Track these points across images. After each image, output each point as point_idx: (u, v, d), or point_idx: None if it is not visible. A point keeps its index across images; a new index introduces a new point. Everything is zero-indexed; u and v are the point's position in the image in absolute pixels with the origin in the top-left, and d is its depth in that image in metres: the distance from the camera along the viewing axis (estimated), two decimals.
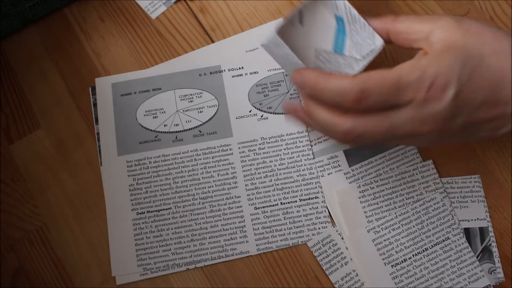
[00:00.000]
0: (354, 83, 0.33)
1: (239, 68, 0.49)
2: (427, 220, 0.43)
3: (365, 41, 0.38)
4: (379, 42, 0.38)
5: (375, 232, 0.43)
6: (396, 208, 0.44)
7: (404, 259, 0.43)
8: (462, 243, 0.43)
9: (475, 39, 0.33)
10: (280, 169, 0.46)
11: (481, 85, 0.33)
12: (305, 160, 0.46)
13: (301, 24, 0.39)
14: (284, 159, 0.46)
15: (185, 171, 0.46)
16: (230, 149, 0.47)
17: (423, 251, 0.43)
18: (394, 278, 0.42)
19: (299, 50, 0.38)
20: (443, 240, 0.43)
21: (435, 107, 0.33)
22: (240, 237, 0.44)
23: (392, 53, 0.49)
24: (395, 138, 0.35)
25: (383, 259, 0.43)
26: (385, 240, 0.43)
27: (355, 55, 0.39)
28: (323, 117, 0.36)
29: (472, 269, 0.42)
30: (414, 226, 0.43)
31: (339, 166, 0.46)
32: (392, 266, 0.42)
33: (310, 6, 0.39)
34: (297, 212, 0.45)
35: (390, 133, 0.34)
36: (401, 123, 0.34)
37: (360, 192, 0.44)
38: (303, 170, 0.46)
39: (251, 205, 0.45)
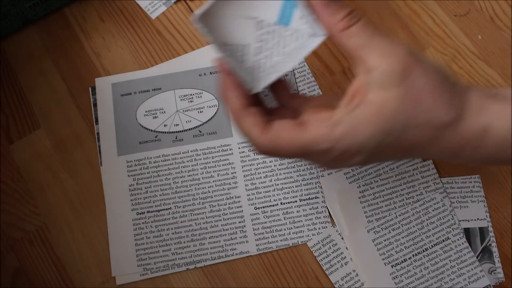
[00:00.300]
0: (263, 141, 0.33)
1: None
2: (427, 220, 0.43)
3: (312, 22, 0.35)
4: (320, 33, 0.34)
5: (375, 232, 0.43)
6: (396, 208, 0.44)
7: (404, 259, 0.43)
8: (462, 243, 0.43)
9: (409, 107, 0.30)
10: (280, 169, 0.46)
11: (393, 151, 0.32)
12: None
13: None
14: (284, 159, 0.46)
15: (185, 171, 0.46)
16: (230, 149, 0.47)
17: (423, 251, 0.43)
18: (394, 278, 0.42)
19: (235, 20, 0.35)
20: (443, 240, 0.43)
21: (341, 164, 0.33)
22: (240, 237, 0.44)
23: None
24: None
25: (383, 259, 0.43)
26: (385, 240, 0.43)
27: (305, 27, 0.34)
28: (243, 126, 0.35)
29: (472, 269, 0.42)
30: (414, 226, 0.43)
31: None
32: (392, 266, 0.42)
33: None
34: (297, 212, 0.45)
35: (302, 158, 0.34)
36: (309, 160, 0.34)
37: (360, 192, 0.44)
38: (303, 170, 0.46)
39: (251, 205, 0.45)
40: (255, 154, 0.47)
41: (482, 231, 0.43)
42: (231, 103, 0.34)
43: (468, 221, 0.43)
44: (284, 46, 0.35)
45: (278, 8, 0.35)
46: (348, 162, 0.33)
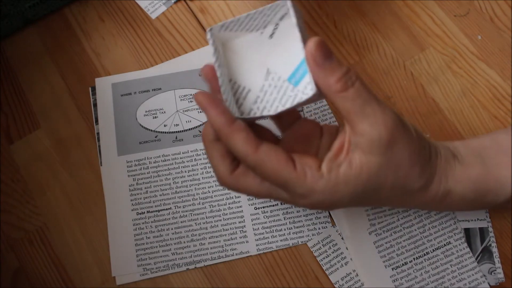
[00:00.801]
0: (250, 159, 0.33)
1: None
2: (429, 224, 0.43)
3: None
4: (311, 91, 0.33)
5: (377, 234, 0.43)
6: (399, 212, 0.44)
7: (404, 262, 0.42)
8: (464, 248, 0.42)
9: (388, 173, 0.33)
10: None
11: (363, 204, 0.37)
12: None
13: (270, 37, 0.35)
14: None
15: (185, 171, 0.46)
16: None
17: (424, 254, 0.43)
18: (394, 281, 0.42)
19: (250, 62, 0.35)
20: (445, 245, 0.43)
21: (313, 208, 0.36)
22: (240, 237, 0.44)
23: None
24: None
25: (383, 262, 0.42)
26: (386, 243, 0.43)
27: (309, 93, 0.34)
28: (212, 161, 0.36)
29: (473, 275, 0.42)
30: (416, 230, 0.43)
31: None
32: (392, 269, 0.42)
33: (288, 21, 0.34)
34: (297, 212, 0.45)
35: (267, 197, 0.36)
36: (277, 197, 0.35)
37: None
38: None
39: (251, 205, 0.45)
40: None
41: (482, 231, 0.43)
42: (215, 120, 0.33)
43: (468, 221, 0.43)
44: (283, 102, 0.34)
45: (294, 66, 0.34)
46: (319, 209, 0.36)
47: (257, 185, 0.35)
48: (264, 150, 0.33)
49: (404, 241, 0.43)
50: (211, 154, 0.36)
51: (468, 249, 0.43)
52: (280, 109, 0.34)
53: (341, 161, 0.33)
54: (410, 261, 0.43)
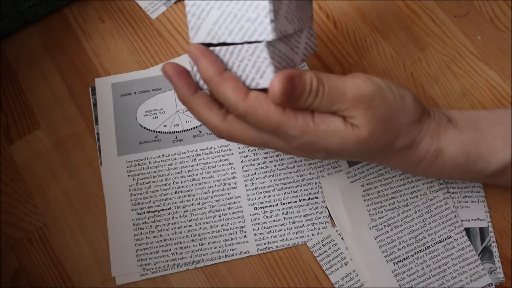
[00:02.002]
0: (240, 106, 0.33)
1: None
2: (429, 218, 0.43)
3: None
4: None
5: (378, 230, 0.43)
6: (400, 207, 0.44)
7: (406, 257, 0.43)
8: (464, 242, 0.43)
9: (379, 136, 0.34)
10: (280, 169, 0.46)
11: (353, 157, 0.37)
12: (305, 160, 0.46)
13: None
14: (284, 159, 0.46)
15: (185, 171, 0.46)
16: (230, 149, 0.47)
17: (425, 249, 0.43)
18: (396, 275, 0.42)
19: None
20: (445, 238, 0.43)
21: (304, 154, 0.36)
22: (240, 237, 0.44)
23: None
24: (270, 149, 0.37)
25: (385, 257, 0.43)
26: (387, 238, 0.43)
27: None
28: (202, 117, 0.35)
29: (474, 268, 0.42)
30: (416, 224, 0.43)
31: (339, 166, 0.46)
32: (394, 263, 0.42)
33: None
34: (297, 212, 0.45)
35: (263, 146, 0.36)
36: (273, 145, 0.36)
37: (364, 190, 0.44)
38: (303, 170, 0.46)
39: (251, 205, 0.45)
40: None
41: (482, 231, 0.43)
42: (206, 71, 0.34)
43: (469, 221, 0.43)
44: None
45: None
46: (309, 154, 0.36)
47: (252, 131, 0.35)
48: (253, 96, 0.33)
49: (405, 235, 0.43)
50: (196, 107, 0.35)
51: (468, 242, 0.43)
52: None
53: (336, 116, 0.34)
54: (412, 256, 0.43)
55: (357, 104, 0.33)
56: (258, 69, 0.33)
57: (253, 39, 0.33)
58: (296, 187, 0.45)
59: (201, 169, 0.46)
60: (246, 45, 0.33)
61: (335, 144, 0.34)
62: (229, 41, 0.34)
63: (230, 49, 0.34)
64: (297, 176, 0.46)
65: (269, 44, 0.32)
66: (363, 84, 0.34)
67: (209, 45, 0.35)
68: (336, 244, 0.43)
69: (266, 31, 0.32)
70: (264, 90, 0.34)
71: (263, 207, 0.45)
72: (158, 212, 0.45)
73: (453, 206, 0.44)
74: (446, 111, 0.39)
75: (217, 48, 0.34)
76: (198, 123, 0.48)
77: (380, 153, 0.36)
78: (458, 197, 0.44)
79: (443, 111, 0.38)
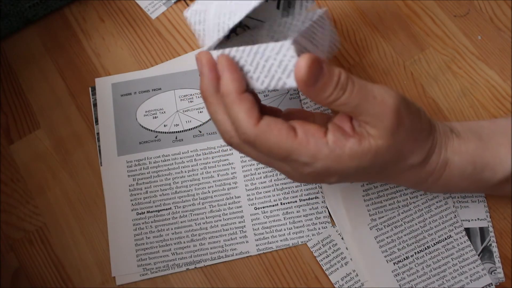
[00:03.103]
0: (250, 131, 0.32)
1: None
2: (429, 218, 0.43)
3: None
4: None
5: (378, 230, 0.43)
6: (400, 207, 0.44)
7: (406, 257, 0.43)
8: (464, 242, 0.43)
9: (392, 154, 0.34)
10: None
11: (366, 179, 0.37)
12: None
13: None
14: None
15: (185, 171, 0.46)
16: (230, 149, 0.47)
17: (425, 249, 0.43)
18: (396, 275, 0.42)
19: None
20: (445, 238, 0.43)
21: (314, 180, 0.35)
22: (240, 237, 0.44)
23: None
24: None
25: (385, 257, 0.43)
26: (387, 238, 0.43)
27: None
28: (216, 116, 0.35)
29: (474, 268, 0.42)
30: (416, 224, 0.43)
31: None
32: (394, 263, 0.42)
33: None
34: (297, 212, 0.45)
35: (269, 166, 0.36)
36: (280, 168, 0.35)
37: (364, 191, 0.44)
38: None
39: (251, 205, 0.45)
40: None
41: (482, 231, 0.43)
42: (227, 84, 0.33)
43: (469, 221, 0.43)
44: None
45: None
46: (320, 180, 0.35)
47: (260, 155, 0.34)
48: (265, 122, 0.32)
49: (405, 235, 0.43)
50: (215, 105, 0.34)
51: (468, 242, 0.43)
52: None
53: (350, 136, 0.33)
54: (412, 256, 0.43)
55: (384, 110, 0.32)
56: (284, 68, 0.32)
57: (252, 6, 0.32)
58: (296, 187, 0.45)
59: (201, 169, 0.46)
60: (272, 44, 0.32)
61: (351, 166, 0.33)
62: (236, 20, 0.33)
63: (254, 49, 0.33)
64: None
65: (295, 41, 0.32)
66: (391, 91, 0.33)
67: (224, 47, 0.35)
68: (336, 244, 0.43)
69: None
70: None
71: (263, 207, 0.45)
72: (158, 212, 0.45)
73: (453, 206, 0.44)
74: (447, 123, 0.38)
75: (241, 48, 0.33)
76: (198, 123, 0.48)
77: (394, 168, 0.35)
78: (458, 197, 0.44)
79: (445, 123, 0.38)
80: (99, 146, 0.48)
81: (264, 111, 0.35)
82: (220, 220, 0.45)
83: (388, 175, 0.36)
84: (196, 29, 0.36)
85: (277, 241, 0.44)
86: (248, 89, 0.34)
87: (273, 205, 0.45)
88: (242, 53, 0.33)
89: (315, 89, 0.31)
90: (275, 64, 0.32)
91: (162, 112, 0.48)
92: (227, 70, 0.33)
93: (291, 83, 0.32)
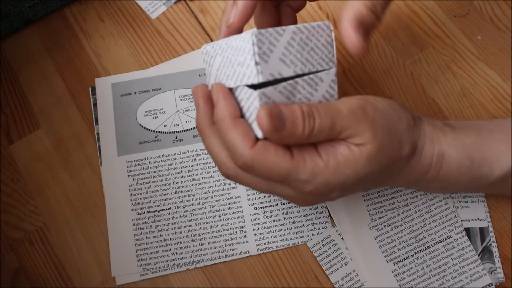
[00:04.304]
0: (247, 154, 0.32)
1: None
2: (429, 218, 0.43)
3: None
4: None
5: (378, 230, 0.43)
6: (400, 207, 0.44)
7: (406, 257, 0.43)
8: (464, 242, 0.43)
9: (386, 150, 0.34)
10: None
11: (365, 186, 0.37)
12: None
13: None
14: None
15: (185, 171, 0.46)
16: None
17: (425, 249, 0.43)
18: (396, 275, 0.42)
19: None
20: (445, 238, 0.43)
21: (317, 199, 0.35)
22: (240, 237, 0.44)
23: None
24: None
25: (385, 257, 0.43)
26: (387, 238, 0.43)
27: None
28: (212, 148, 0.35)
29: (474, 268, 0.42)
30: (416, 224, 0.43)
31: None
32: (394, 263, 0.42)
33: None
34: (297, 212, 0.45)
35: (269, 192, 0.35)
36: (281, 193, 0.35)
37: (364, 191, 0.44)
38: None
39: (251, 205, 0.45)
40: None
41: (482, 231, 0.43)
42: (222, 110, 0.33)
43: (469, 221, 0.43)
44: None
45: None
46: (323, 198, 0.35)
47: (259, 181, 0.34)
48: (261, 144, 0.32)
49: (405, 235, 0.43)
50: (211, 137, 0.35)
51: (468, 242, 0.43)
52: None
53: (338, 145, 0.33)
54: (412, 256, 0.43)
55: (356, 118, 0.32)
56: (252, 115, 0.33)
57: (243, 82, 0.33)
58: None
59: (201, 169, 0.46)
60: (246, 89, 0.33)
61: (348, 174, 0.33)
62: (227, 86, 0.34)
63: (238, 90, 0.34)
64: None
65: (263, 94, 0.32)
66: (351, 98, 0.33)
67: None
68: (336, 244, 0.43)
69: (252, 74, 0.32)
70: None
71: (263, 207, 0.45)
72: (158, 212, 0.45)
73: (453, 206, 0.44)
74: (441, 120, 0.39)
75: (235, 88, 0.34)
76: None
77: (391, 168, 0.35)
78: (458, 197, 0.44)
79: (438, 120, 0.38)
80: (99, 146, 0.48)
81: None
82: (220, 220, 0.45)
83: (388, 175, 0.36)
84: (206, 68, 0.37)
85: (277, 241, 0.44)
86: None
87: (273, 205, 0.45)
88: (236, 92, 0.34)
89: (287, 131, 0.31)
90: (251, 108, 0.33)
91: (162, 112, 0.48)
92: (221, 96, 0.34)
93: (258, 133, 0.33)
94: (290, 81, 0.33)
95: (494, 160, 0.37)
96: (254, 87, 0.33)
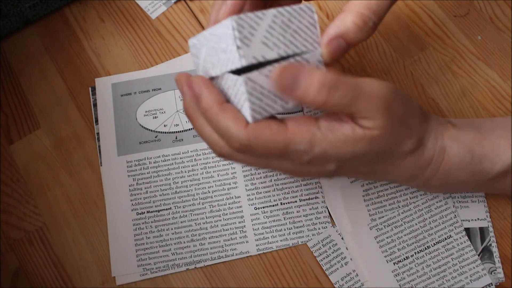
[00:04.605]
0: (242, 135, 0.32)
1: None
2: (429, 218, 0.43)
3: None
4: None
5: (378, 230, 0.43)
6: (400, 207, 0.44)
7: (406, 257, 0.43)
8: (464, 242, 0.43)
9: (390, 138, 0.34)
10: None
11: (363, 170, 0.36)
12: None
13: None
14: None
15: (185, 171, 0.46)
16: None
17: (425, 249, 0.43)
18: (396, 275, 0.42)
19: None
20: (445, 238, 0.43)
21: (314, 170, 0.35)
22: (240, 237, 0.44)
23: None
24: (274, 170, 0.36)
25: (385, 257, 0.43)
26: (387, 238, 0.43)
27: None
28: (203, 130, 0.35)
29: (474, 268, 0.42)
30: (416, 224, 0.43)
31: None
32: (394, 263, 0.42)
33: None
34: (297, 212, 0.45)
35: (267, 168, 0.36)
36: (279, 167, 0.35)
37: (364, 190, 0.44)
38: None
39: (251, 205, 0.45)
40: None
41: (482, 231, 0.43)
42: (207, 98, 0.33)
43: (469, 221, 0.43)
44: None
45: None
46: (320, 169, 0.34)
47: (256, 159, 0.34)
48: (253, 124, 0.32)
49: (405, 235, 0.43)
50: (200, 120, 0.35)
51: (468, 242, 0.43)
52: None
53: (343, 122, 0.33)
54: (412, 256, 0.43)
55: (375, 103, 0.32)
56: (239, 101, 0.33)
57: (228, 68, 0.33)
58: (296, 187, 0.45)
59: (201, 169, 0.46)
60: (231, 75, 0.33)
61: (347, 151, 0.33)
62: (213, 74, 0.34)
63: (225, 78, 0.34)
64: None
65: (248, 79, 0.32)
66: (376, 82, 0.33)
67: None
68: (336, 244, 0.43)
69: (235, 59, 0.32)
70: None
71: (263, 207, 0.45)
72: (158, 212, 0.45)
73: (453, 206, 0.44)
74: (438, 117, 0.39)
75: (216, 78, 0.35)
76: None
77: (390, 155, 0.35)
78: (458, 197, 0.44)
79: (440, 117, 0.39)
80: (99, 146, 0.48)
81: None
82: (220, 220, 0.45)
83: (385, 166, 0.36)
84: (193, 60, 0.37)
85: (277, 241, 0.44)
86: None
87: (273, 205, 0.45)
88: (217, 82, 0.35)
89: (296, 95, 0.32)
90: (238, 94, 0.33)
91: (162, 112, 0.48)
92: (204, 87, 0.34)
93: (247, 117, 0.33)
94: (275, 64, 0.33)
95: (495, 156, 0.37)
96: (240, 73, 0.32)
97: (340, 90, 0.31)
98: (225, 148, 0.34)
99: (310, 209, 0.45)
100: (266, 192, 0.45)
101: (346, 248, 0.43)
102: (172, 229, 0.45)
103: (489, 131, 0.38)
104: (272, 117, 0.34)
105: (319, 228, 0.44)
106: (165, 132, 0.48)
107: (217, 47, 0.34)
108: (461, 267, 0.42)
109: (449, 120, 0.38)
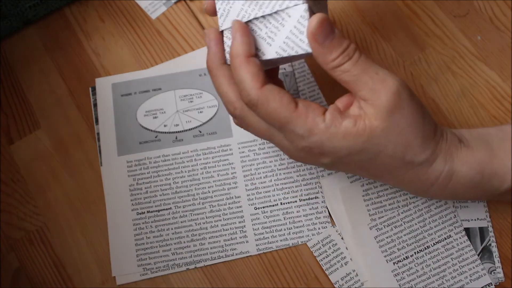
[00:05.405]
0: (254, 93, 0.33)
1: None
2: (429, 218, 0.43)
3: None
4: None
5: (378, 230, 0.43)
6: (399, 207, 0.44)
7: (406, 257, 0.43)
8: (464, 241, 0.43)
9: (388, 139, 0.34)
10: (280, 169, 0.46)
11: (360, 168, 0.36)
12: None
13: None
14: (284, 159, 0.46)
15: (185, 171, 0.46)
16: (230, 149, 0.47)
17: (425, 248, 0.43)
18: (396, 275, 0.42)
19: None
20: (445, 238, 0.43)
21: (310, 158, 0.35)
22: (240, 237, 0.44)
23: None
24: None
25: (385, 256, 0.43)
26: (387, 237, 0.43)
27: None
28: (222, 88, 0.36)
29: (474, 267, 0.42)
30: (416, 224, 0.43)
31: None
32: (394, 263, 0.42)
33: None
34: (297, 212, 0.45)
35: (268, 139, 0.36)
36: (279, 142, 0.36)
37: (364, 190, 0.44)
38: (303, 170, 0.46)
39: (251, 205, 0.45)
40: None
41: (482, 231, 0.43)
42: (236, 46, 0.34)
43: (468, 221, 0.43)
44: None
45: None
46: (314, 159, 0.35)
47: (261, 123, 0.35)
48: (269, 88, 0.33)
49: (404, 235, 0.43)
50: (220, 77, 0.36)
51: (468, 242, 0.43)
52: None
53: (346, 116, 0.34)
54: (411, 255, 0.43)
55: (385, 87, 0.33)
56: (299, 32, 0.33)
57: (284, 6, 0.33)
58: (296, 187, 0.45)
59: (201, 169, 0.46)
60: (283, 13, 0.34)
61: (344, 146, 0.33)
62: (259, 15, 0.35)
63: (268, 15, 0.34)
64: (297, 176, 0.46)
65: (308, 6, 0.33)
66: (395, 75, 0.34)
67: None
68: (336, 244, 0.43)
69: None
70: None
71: (263, 207, 0.45)
72: (158, 212, 0.45)
73: (453, 206, 0.44)
74: (456, 131, 0.38)
75: (258, 16, 0.35)
76: (198, 123, 0.48)
77: (388, 159, 0.35)
78: None
79: (453, 131, 0.38)
80: (99, 146, 0.48)
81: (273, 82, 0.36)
82: (220, 220, 0.45)
83: (383, 169, 0.36)
84: (220, 8, 0.37)
85: (277, 241, 0.44)
86: (257, 55, 0.35)
87: (273, 205, 0.45)
88: (257, 22, 0.35)
89: (323, 47, 0.32)
90: (288, 30, 0.34)
91: (162, 112, 0.48)
92: (239, 33, 0.34)
93: (307, 48, 0.33)
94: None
95: (505, 173, 0.36)
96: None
97: (355, 60, 0.33)
98: (239, 109, 0.35)
99: (310, 209, 0.45)
100: (266, 192, 0.45)
101: (346, 248, 0.43)
102: (172, 229, 0.45)
103: (499, 146, 0.37)
104: (287, 92, 0.35)
105: (319, 228, 0.44)
106: (165, 132, 0.48)
107: None
108: (460, 267, 0.42)
109: (460, 138, 0.37)
